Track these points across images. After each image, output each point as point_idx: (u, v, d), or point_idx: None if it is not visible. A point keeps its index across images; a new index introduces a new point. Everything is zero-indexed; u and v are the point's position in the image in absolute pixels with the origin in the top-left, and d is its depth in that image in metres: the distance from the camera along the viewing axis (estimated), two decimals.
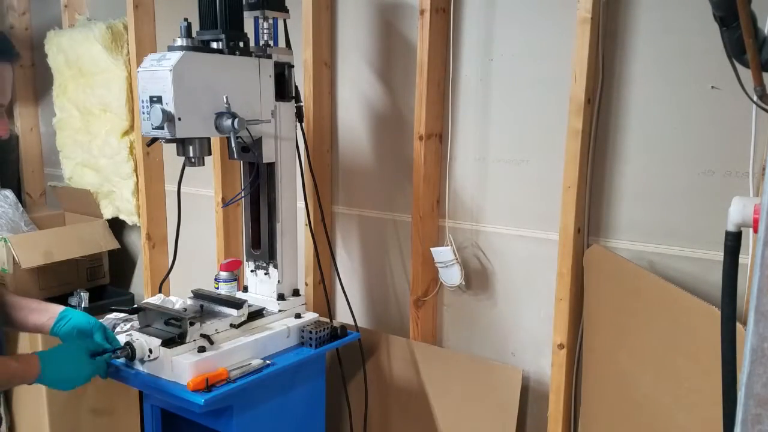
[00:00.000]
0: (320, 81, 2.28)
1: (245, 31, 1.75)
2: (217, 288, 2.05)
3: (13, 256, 2.69)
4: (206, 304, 1.81)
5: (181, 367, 1.58)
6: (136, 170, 2.94)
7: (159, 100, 1.55)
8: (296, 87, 1.91)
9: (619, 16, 1.74)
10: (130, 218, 3.06)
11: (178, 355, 1.60)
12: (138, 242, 3.14)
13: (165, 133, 1.55)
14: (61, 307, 1.69)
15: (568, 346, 1.85)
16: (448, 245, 2.07)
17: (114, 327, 1.77)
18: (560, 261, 1.83)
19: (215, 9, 1.69)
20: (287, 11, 1.89)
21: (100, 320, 1.80)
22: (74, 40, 2.99)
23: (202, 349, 1.62)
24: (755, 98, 1.07)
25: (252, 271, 1.96)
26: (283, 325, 1.85)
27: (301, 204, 2.02)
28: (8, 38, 1.46)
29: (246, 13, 1.78)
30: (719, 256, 1.09)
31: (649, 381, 1.68)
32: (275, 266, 1.91)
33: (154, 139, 1.61)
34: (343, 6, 2.27)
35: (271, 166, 1.86)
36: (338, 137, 2.36)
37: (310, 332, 1.85)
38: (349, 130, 2.33)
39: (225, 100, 1.61)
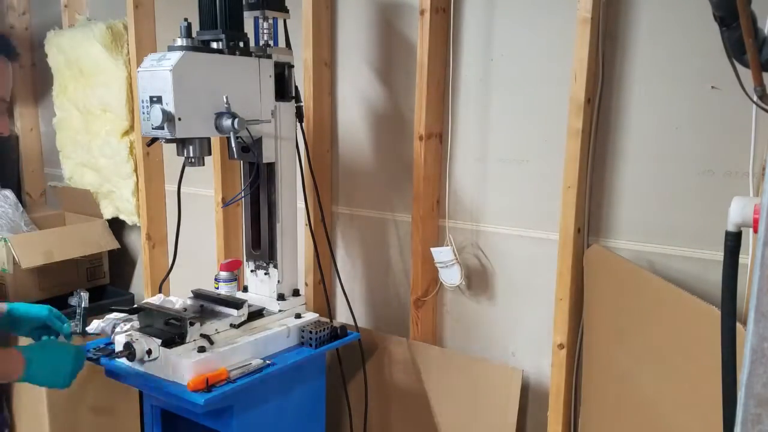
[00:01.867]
0: (320, 81, 2.28)
1: (245, 31, 1.75)
2: (217, 288, 2.05)
3: (13, 256, 2.69)
4: (206, 304, 1.81)
5: (181, 367, 1.58)
6: (136, 170, 2.94)
7: (159, 100, 1.55)
8: (296, 87, 1.91)
9: (619, 16, 1.74)
10: (130, 218, 3.06)
11: (178, 355, 1.60)
12: (138, 242, 3.13)
13: (165, 133, 1.55)
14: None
15: (568, 346, 1.85)
16: (448, 245, 2.07)
17: (114, 327, 1.76)
18: (560, 261, 1.83)
19: (215, 9, 1.69)
20: (287, 11, 1.89)
21: (100, 320, 1.80)
22: (74, 40, 2.99)
23: (202, 349, 1.62)
24: (755, 98, 1.06)
25: (252, 271, 1.96)
26: (283, 325, 1.85)
27: (301, 204, 2.02)
28: (8, 38, 1.47)
29: (246, 13, 1.78)
30: (719, 256, 1.09)
31: (649, 381, 1.68)
32: (275, 266, 1.91)
33: (154, 139, 1.61)
34: (343, 6, 2.27)
35: (271, 166, 1.86)
36: (338, 137, 2.36)
37: (310, 332, 1.85)
38: (349, 130, 2.33)
39: (225, 100, 1.61)
